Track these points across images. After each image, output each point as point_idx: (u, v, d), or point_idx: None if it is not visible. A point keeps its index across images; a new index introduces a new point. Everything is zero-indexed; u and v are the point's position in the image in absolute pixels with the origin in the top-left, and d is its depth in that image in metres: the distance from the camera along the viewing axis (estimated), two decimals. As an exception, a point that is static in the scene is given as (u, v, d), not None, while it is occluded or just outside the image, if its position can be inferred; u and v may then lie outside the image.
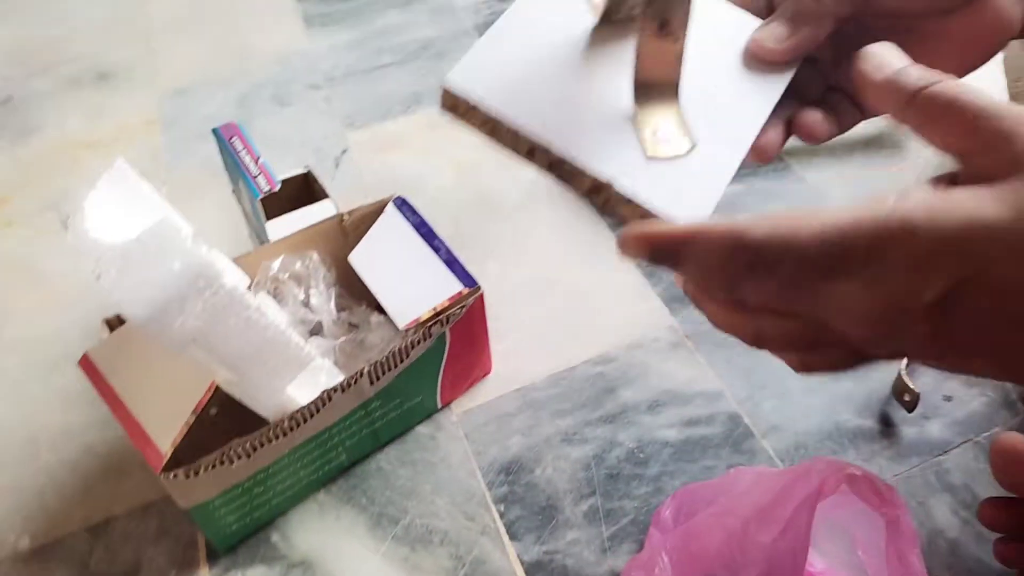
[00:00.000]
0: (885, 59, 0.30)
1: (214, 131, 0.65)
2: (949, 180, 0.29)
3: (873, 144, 0.77)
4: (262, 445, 0.50)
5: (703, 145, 0.33)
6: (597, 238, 0.74)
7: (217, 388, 0.48)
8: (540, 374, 0.63)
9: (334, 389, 0.52)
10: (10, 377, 0.68)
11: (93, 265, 0.46)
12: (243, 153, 0.62)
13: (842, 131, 0.38)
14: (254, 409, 0.50)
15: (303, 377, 0.52)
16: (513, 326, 0.66)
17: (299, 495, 0.57)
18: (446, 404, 0.62)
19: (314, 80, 0.96)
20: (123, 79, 1.00)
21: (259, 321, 0.47)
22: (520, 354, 0.64)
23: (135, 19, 1.10)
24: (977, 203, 0.25)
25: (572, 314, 0.67)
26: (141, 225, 0.49)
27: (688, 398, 0.60)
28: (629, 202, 0.32)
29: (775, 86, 0.36)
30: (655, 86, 0.33)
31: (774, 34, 0.35)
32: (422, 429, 0.61)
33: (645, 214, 0.31)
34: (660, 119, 0.33)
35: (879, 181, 0.74)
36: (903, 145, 0.76)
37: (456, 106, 0.33)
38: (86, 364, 0.53)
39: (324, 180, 0.67)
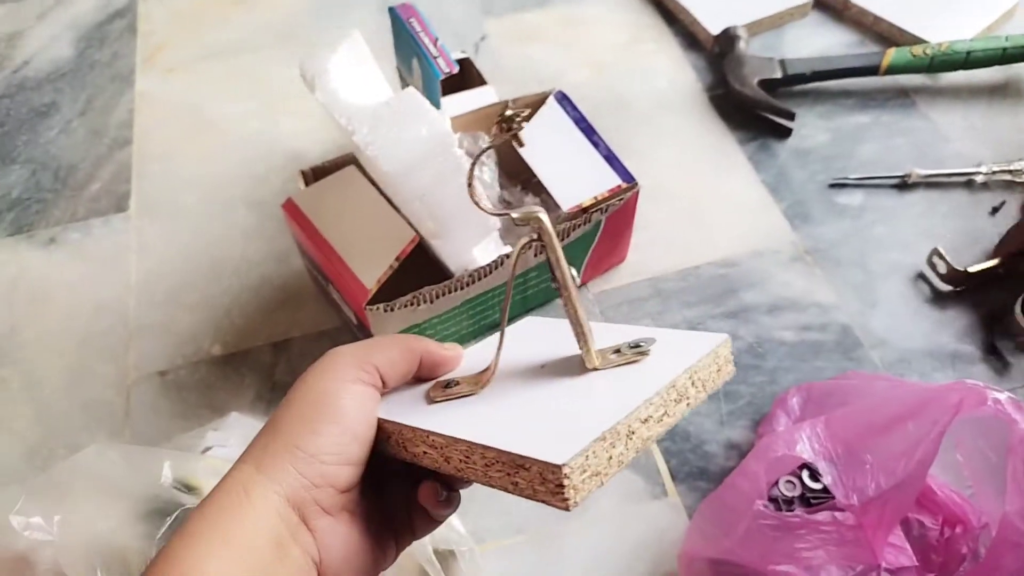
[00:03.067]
0: None
1: (391, 10, 0.70)
2: None
3: (998, 92, 0.80)
4: (445, 294, 0.57)
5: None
6: (725, 151, 0.79)
7: (418, 241, 0.56)
8: (669, 268, 0.70)
9: (506, 255, 0.59)
10: (193, 212, 0.76)
11: (345, 121, 0.52)
12: (422, 35, 0.67)
13: None
14: (444, 263, 0.58)
15: (484, 243, 0.59)
16: (645, 223, 0.72)
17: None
18: (584, 283, 0.69)
19: (455, -38, 0.99)
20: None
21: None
22: (651, 249, 0.71)
23: None
24: None
25: (699, 218, 0.73)
26: (374, 92, 0.55)
27: (804, 306, 0.67)
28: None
29: None
30: None
31: None
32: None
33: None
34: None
35: (1002, 130, 0.77)
36: (1029, 98, 0.80)
37: None
38: (290, 207, 0.60)
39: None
